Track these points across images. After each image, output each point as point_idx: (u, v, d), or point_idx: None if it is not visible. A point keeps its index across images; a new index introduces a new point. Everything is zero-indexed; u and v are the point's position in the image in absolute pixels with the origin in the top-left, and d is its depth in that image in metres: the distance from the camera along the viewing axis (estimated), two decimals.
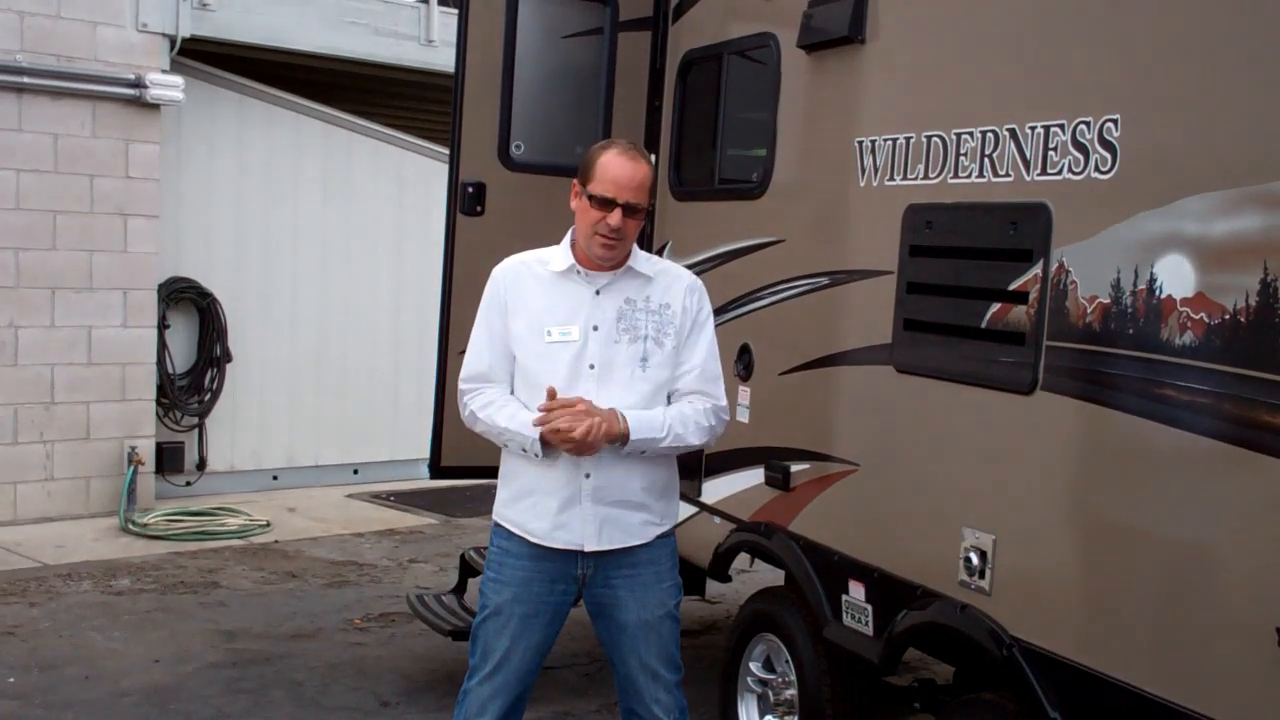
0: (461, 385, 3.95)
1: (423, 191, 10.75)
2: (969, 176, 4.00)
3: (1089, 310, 3.55)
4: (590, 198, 3.76)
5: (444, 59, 11.21)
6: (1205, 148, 3.27)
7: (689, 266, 5.47)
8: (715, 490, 5.33)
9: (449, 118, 5.82)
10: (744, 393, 5.12)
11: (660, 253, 5.77)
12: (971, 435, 3.96)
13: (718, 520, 5.29)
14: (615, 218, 3.74)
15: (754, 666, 5.16)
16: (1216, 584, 3.21)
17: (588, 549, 3.83)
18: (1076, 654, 3.57)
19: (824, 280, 4.66)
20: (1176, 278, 3.30)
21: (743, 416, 5.12)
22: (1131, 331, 3.42)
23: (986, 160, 3.93)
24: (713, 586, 6.29)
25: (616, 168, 3.76)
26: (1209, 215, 3.23)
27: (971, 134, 3.98)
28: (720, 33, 5.46)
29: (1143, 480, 3.40)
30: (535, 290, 3.86)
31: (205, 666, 6.47)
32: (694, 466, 5.41)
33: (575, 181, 3.84)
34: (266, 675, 6.37)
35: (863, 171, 4.46)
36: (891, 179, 4.33)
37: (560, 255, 3.88)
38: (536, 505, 3.84)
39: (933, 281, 4.15)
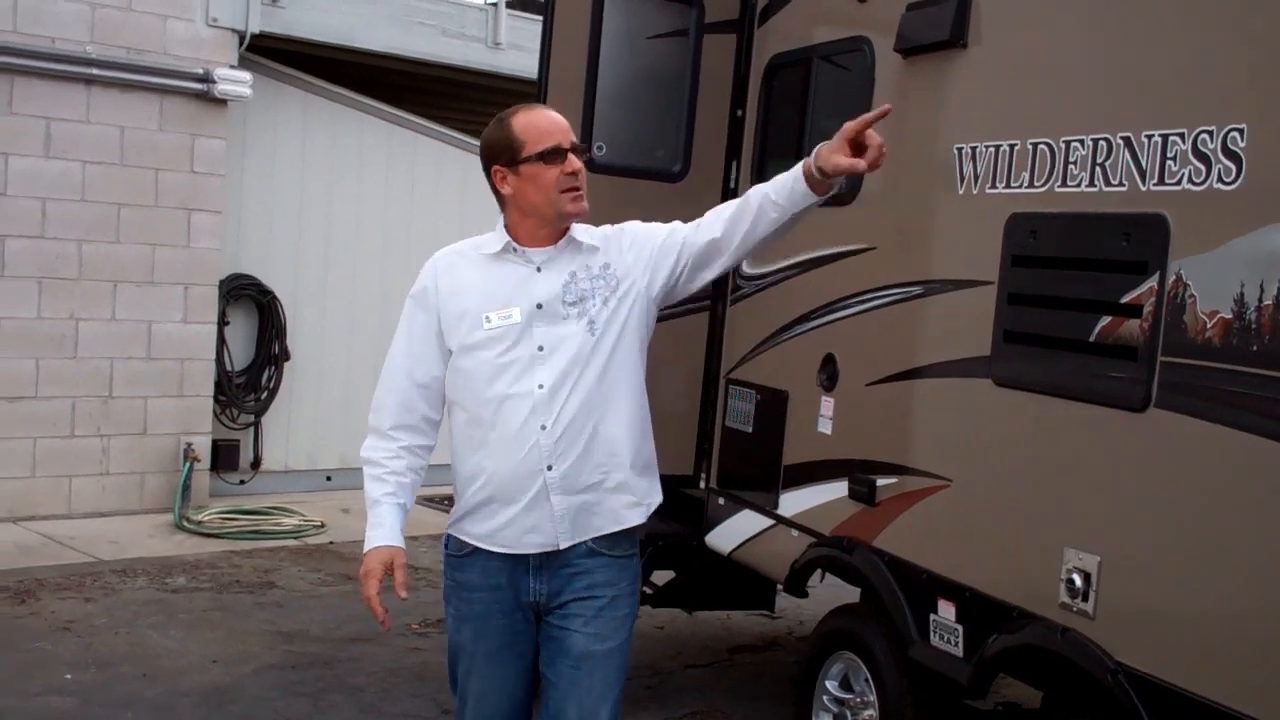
0: (371, 420, 3.57)
1: (485, 194, 10.65)
2: (1078, 185, 3.87)
3: (1209, 325, 3.42)
4: (537, 158, 3.39)
5: (511, 62, 11.25)
6: None
7: (768, 274, 5.43)
8: (793, 503, 5.21)
9: None
10: (827, 404, 5.01)
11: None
12: (1077, 452, 3.83)
13: (795, 534, 5.17)
14: (573, 161, 3.41)
15: (830, 685, 5.03)
16: None
17: (562, 545, 3.43)
18: (1186, 682, 3.43)
19: (917, 290, 4.54)
20: None
21: (825, 428, 5.00)
22: (1256, 348, 3.28)
23: (1098, 169, 3.80)
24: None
25: (540, 120, 3.45)
26: None
27: (1082, 142, 3.86)
28: (808, 36, 5.36)
29: (1263, 503, 3.26)
30: (471, 275, 3.49)
31: (264, 668, 6.40)
32: (771, 478, 5.30)
33: (498, 168, 3.45)
34: (326, 679, 6.28)
35: (962, 179, 4.33)
36: (993, 187, 4.20)
37: (494, 238, 3.52)
38: (497, 512, 3.44)
39: (1036, 293, 4.03)
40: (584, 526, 3.47)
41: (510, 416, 3.40)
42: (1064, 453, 3.87)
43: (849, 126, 3.35)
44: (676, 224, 3.59)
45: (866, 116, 3.37)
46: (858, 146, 3.36)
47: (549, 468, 3.40)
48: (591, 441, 3.43)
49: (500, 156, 3.47)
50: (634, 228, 3.60)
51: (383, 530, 3.49)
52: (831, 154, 3.37)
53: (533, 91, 5.83)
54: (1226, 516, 3.36)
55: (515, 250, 3.48)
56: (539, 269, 3.47)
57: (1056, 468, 3.90)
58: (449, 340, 3.47)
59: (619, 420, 3.48)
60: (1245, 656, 3.30)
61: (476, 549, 3.50)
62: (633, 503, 3.55)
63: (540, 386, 3.39)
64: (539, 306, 3.43)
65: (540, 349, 3.41)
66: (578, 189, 3.44)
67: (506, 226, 3.52)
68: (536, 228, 3.48)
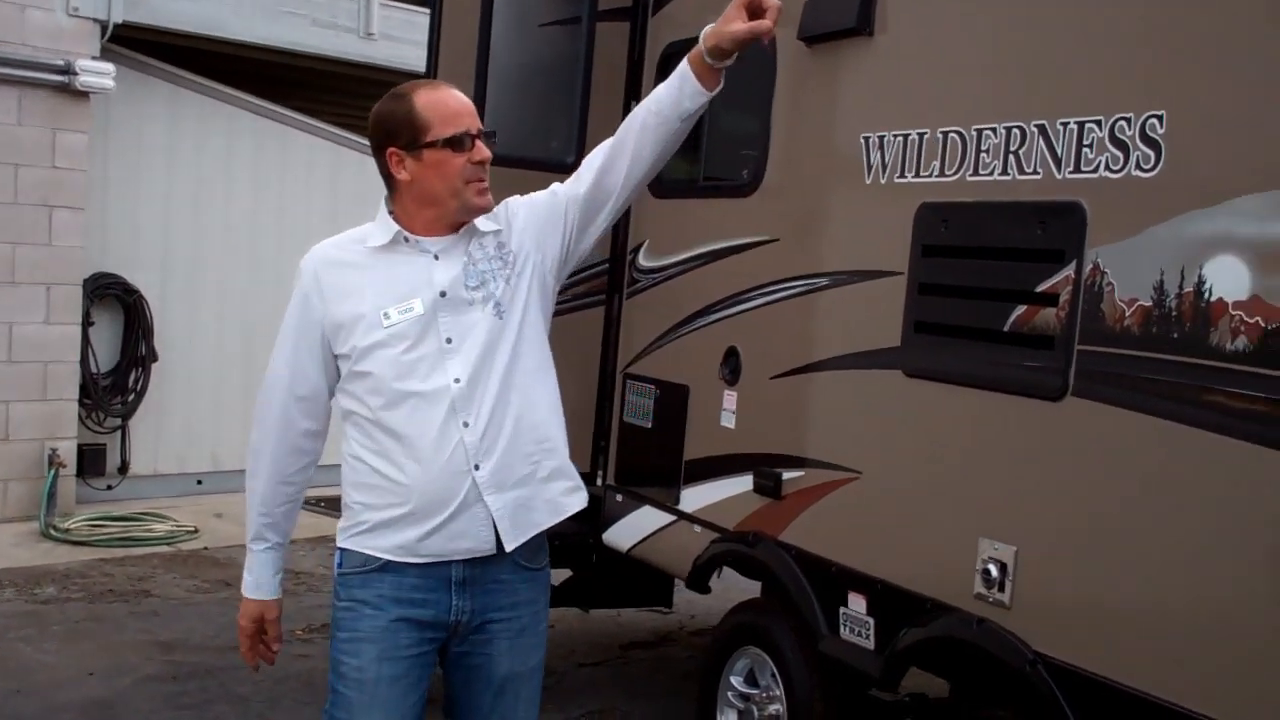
0: (253, 438, 3.32)
1: (358, 187, 10.44)
2: (991, 174, 3.85)
3: (1128, 313, 3.41)
4: (444, 143, 3.11)
5: (384, 53, 11.04)
6: (1262, 144, 3.14)
7: (666, 267, 5.35)
8: (695, 498, 5.13)
9: None
10: (730, 398, 4.94)
11: (636, 252, 5.59)
12: (992, 442, 3.80)
13: (698, 529, 5.10)
14: (481, 149, 3.15)
15: (735, 681, 4.97)
16: (1261, 599, 3.07)
17: (509, 548, 3.15)
18: (1105, 669, 3.42)
19: (823, 281, 4.49)
20: (1229, 280, 3.17)
21: (728, 422, 4.94)
22: (1175, 336, 3.28)
23: (1012, 157, 3.78)
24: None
25: (448, 100, 3.16)
26: (1267, 215, 3.10)
27: (994, 130, 3.83)
28: (706, 24, 5.26)
29: (1183, 490, 3.26)
30: (358, 273, 3.18)
31: (143, 679, 6.16)
32: (672, 473, 5.22)
33: (394, 150, 3.14)
34: (210, 689, 6.06)
35: (869, 169, 4.29)
36: (902, 176, 4.17)
37: (378, 229, 3.21)
38: (417, 523, 3.11)
39: (948, 283, 4.00)
40: (525, 524, 3.20)
41: (426, 418, 3.11)
42: (979, 443, 3.85)
43: None
44: (555, 186, 3.38)
45: None
46: (753, 12, 3.21)
47: (476, 467, 3.12)
48: (517, 431, 3.17)
49: (398, 137, 3.15)
50: (518, 202, 3.36)
51: (252, 578, 3.34)
52: (728, 25, 3.21)
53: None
54: (1145, 505, 3.36)
55: (408, 240, 3.19)
56: (436, 257, 3.19)
57: (971, 458, 3.87)
58: (340, 346, 3.18)
59: (540, 403, 3.26)
60: (1164, 644, 3.30)
61: (389, 563, 3.17)
62: (571, 488, 3.33)
63: (457, 380, 3.12)
64: (442, 295, 3.15)
65: (448, 341, 3.14)
66: (484, 180, 3.18)
67: (395, 215, 3.21)
68: (434, 219, 3.20)
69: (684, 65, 3.31)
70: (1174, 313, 3.29)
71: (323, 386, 3.25)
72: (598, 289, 5.81)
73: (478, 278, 3.20)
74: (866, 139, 4.31)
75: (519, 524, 3.19)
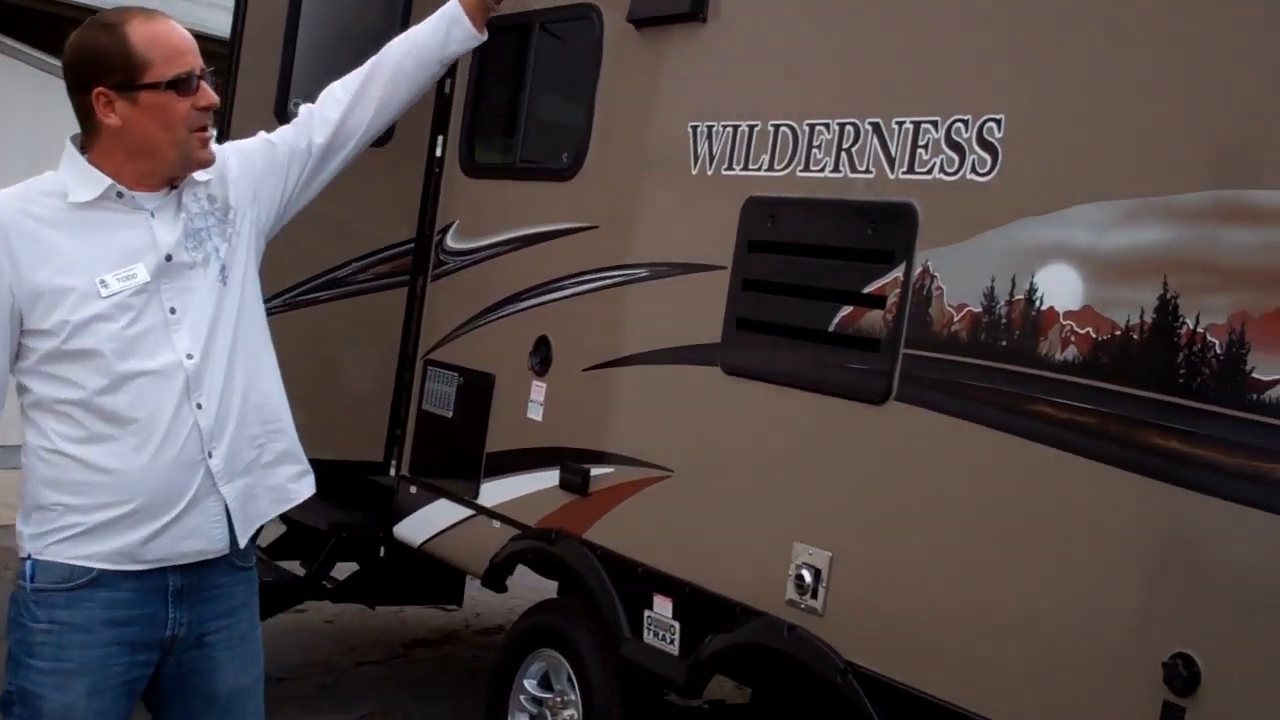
0: None
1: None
2: (822, 170, 3.76)
3: (956, 319, 3.35)
4: (168, 85, 2.71)
5: (182, 12, 10.45)
6: (1100, 155, 3.11)
7: (479, 249, 5.14)
8: (496, 493, 4.93)
9: None
10: (539, 389, 4.76)
11: (444, 233, 5.36)
12: (810, 444, 3.71)
13: (497, 525, 4.90)
14: (208, 93, 2.77)
15: (529, 684, 4.78)
16: (1089, 614, 3.03)
17: (242, 544, 2.86)
18: (918, 682, 3.36)
19: (642, 272, 4.35)
20: (1061, 289, 3.13)
21: (535, 414, 4.76)
22: (1005, 344, 3.23)
23: (844, 154, 3.69)
24: None
25: (171, 35, 2.75)
26: (1102, 225, 3.06)
27: (827, 125, 3.74)
28: (528, 1, 5.09)
29: (1006, 501, 3.21)
30: (59, 234, 2.71)
31: None
32: (472, 465, 5.02)
33: (102, 90, 2.69)
34: None
35: (696, 158, 4.17)
36: (729, 168, 4.05)
37: (79, 181, 2.74)
38: (140, 524, 2.72)
39: (773, 279, 3.89)
40: (252, 515, 2.89)
41: (157, 401, 2.72)
42: (798, 445, 3.75)
43: None
44: (273, 137, 3.06)
45: None
46: None
47: (209, 454, 2.77)
48: (245, 411, 2.85)
49: (108, 75, 2.70)
50: (228, 150, 2.98)
51: None
52: None
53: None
54: (965, 514, 3.30)
55: (121, 196, 2.75)
56: (152, 214, 2.78)
57: (789, 460, 3.77)
58: (40, 320, 2.68)
59: (266, 380, 2.94)
60: (978, 655, 3.25)
61: (101, 575, 2.73)
62: (299, 473, 3.03)
63: (190, 356, 2.76)
64: (168, 259, 2.77)
65: (172, 311, 2.75)
66: (209, 130, 2.81)
67: (96, 164, 2.75)
68: (147, 172, 2.78)
69: (454, 7, 3.16)
70: (1004, 320, 3.24)
71: (4, 364, 2.74)
72: (400, 269, 5.57)
73: (195, 237, 2.83)
74: (694, 128, 4.18)
75: (248, 516, 2.88)
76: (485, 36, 3.21)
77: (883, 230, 3.56)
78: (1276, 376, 2.72)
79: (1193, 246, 2.90)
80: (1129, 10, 3.10)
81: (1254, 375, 2.75)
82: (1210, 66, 2.92)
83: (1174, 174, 2.94)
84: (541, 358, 4.76)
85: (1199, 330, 2.85)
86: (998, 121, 3.31)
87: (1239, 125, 2.85)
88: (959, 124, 3.39)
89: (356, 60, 5.23)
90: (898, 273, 3.50)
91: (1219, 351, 2.81)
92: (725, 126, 4.07)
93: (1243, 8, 2.91)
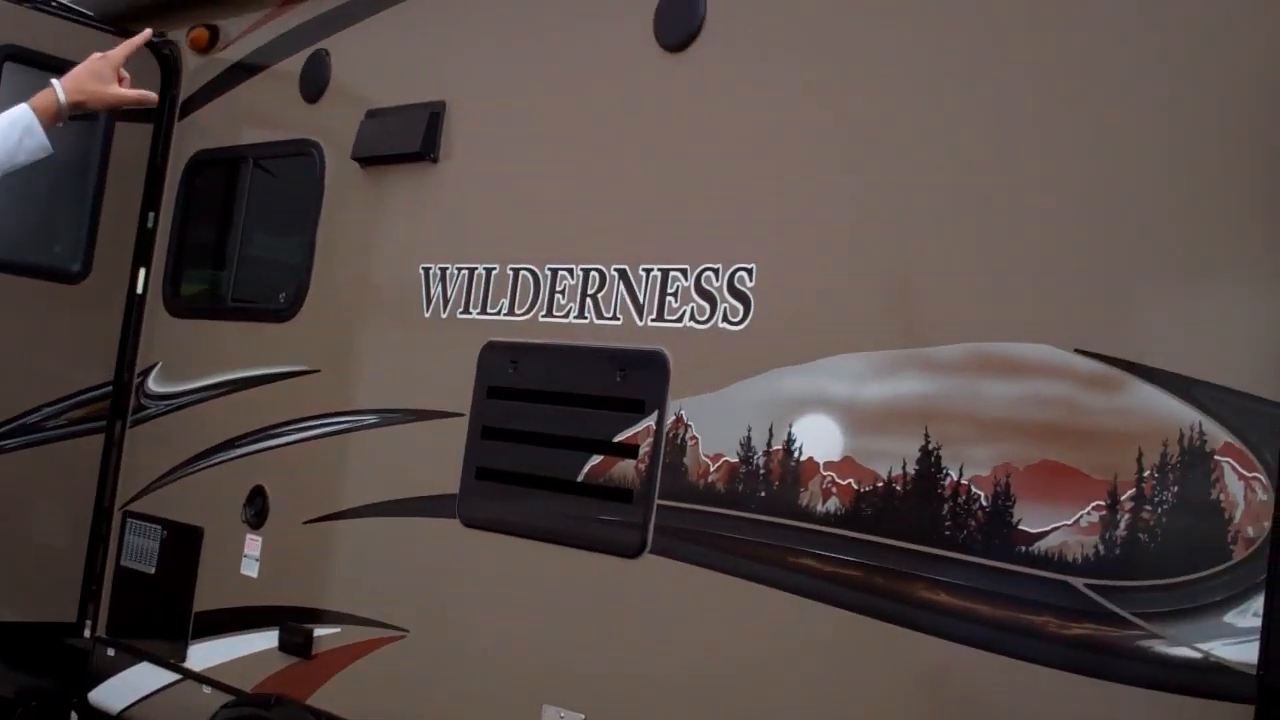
0: None
1: None
2: (566, 316, 3.66)
3: (713, 469, 3.28)
4: None
5: None
6: (857, 305, 3.11)
7: (186, 393, 4.83)
8: (206, 655, 4.56)
9: None
10: (254, 542, 4.45)
11: (146, 376, 5.01)
12: (560, 601, 3.55)
13: (208, 690, 4.52)
14: None
15: None
16: None
17: None
18: None
19: (371, 419, 4.13)
20: (821, 440, 3.09)
21: (251, 570, 4.44)
22: (764, 495, 3.17)
23: (589, 300, 3.61)
24: None
25: None
26: (860, 376, 3.05)
27: (571, 271, 3.65)
28: (242, 135, 4.87)
29: (771, 660, 3.12)
30: None
31: None
32: (178, 626, 4.64)
33: None
34: None
35: (429, 301, 4.01)
36: (466, 312, 3.91)
37: None
38: None
39: (516, 428, 3.74)
40: None
41: None
42: (546, 601, 3.58)
43: (118, 53, 3.00)
44: None
45: (134, 41, 3.11)
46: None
47: None
48: None
49: None
50: None
51: None
52: (105, 86, 3.01)
53: None
54: (726, 672, 3.20)
55: None
56: None
57: (537, 618, 3.60)
58: None
59: None
60: None
61: None
62: None
63: None
64: None
65: None
66: None
67: None
68: None
69: (29, 115, 2.98)
70: (762, 471, 3.18)
71: None
72: (97, 414, 5.15)
73: None
74: (427, 270, 4.03)
75: None
76: (53, 150, 3.03)
77: (633, 378, 3.48)
78: (1044, 529, 2.73)
79: (953, 398, 2.91)
80: (886, 163, 3.12)
81: (1021, 528, 2.76)
82: (965, 221, 2.96)
83: (932, 326, 2.95)
84: (257, 509, 4.46)
85: (963, 482, 2.85)
86: (749, 271, 3.28)
87: (1000, 279, 2.89)
88: (709, 272, 3.35)
89: (52, 191, 4.92)
90: (650, 421, 3.41)
91: (984, 504, 2.82)
92: (461, 269, 3.94)
93: (995, 170, 2.96)
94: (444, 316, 3.97)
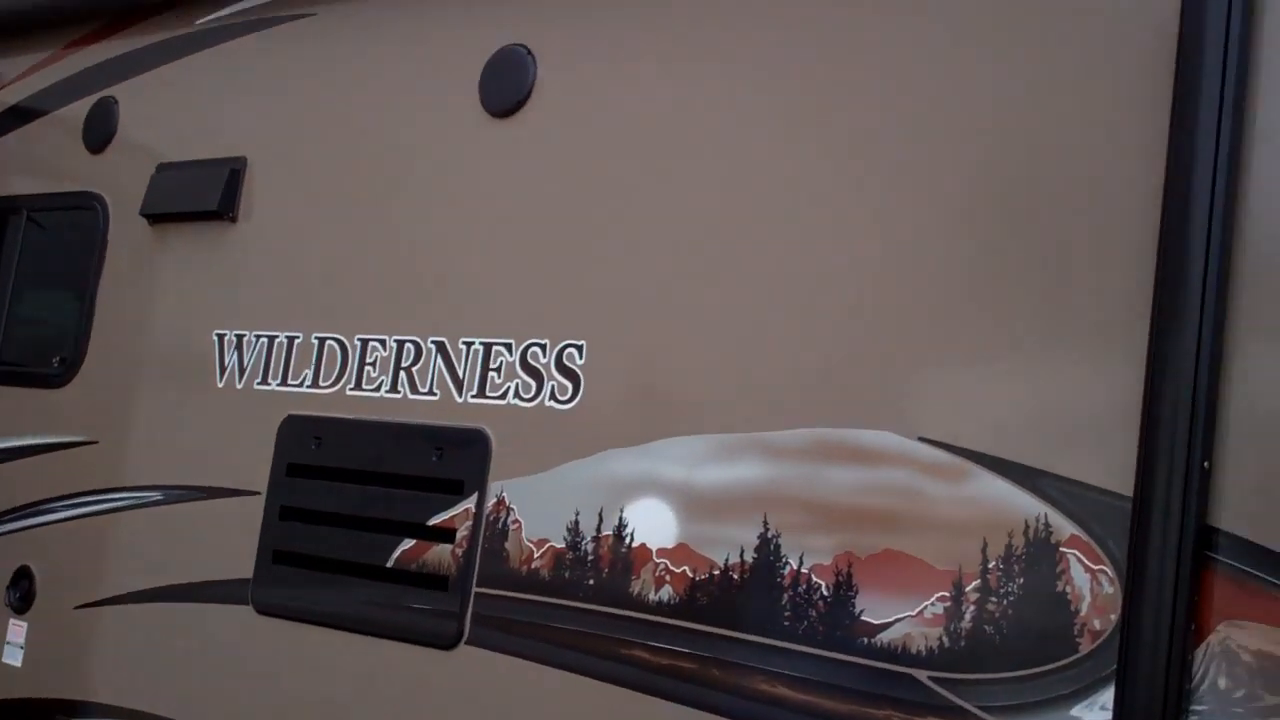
0: None
1: None
2: (377, 390, 3.47)
3: (536, 555, 3.12)
4: None
5: None
6: (693, 387, 3.01)
7: None
8: None
9: None
10: (17, 629, 4.09)
11: None
12: (366, 695, 3.33)
13: None
14: None
15: None
16: None
17: None
18: None
19: (154, 495, 3.85)
20: (653, 525, 2.97)
21: (13, 659, 4.07)
22: (593, 582, 3.03)
23: (403, 373, 3.42)
24: None
25: None
26: (697, 460, 2.95)
27: (383, 342, 3.47)
28: (15, 184, 4.52)
29: None
30: None
31: None
32: None
33: None
34: None
35: (223, 370, 3.76)
36: (264, 383, 3.68)
37: None
38: None
39: (319, 508, 3.52)
40: None
41: None
42: (350, 695, 3.36)
43: None
44: None
45: None
46: None
47: None
48: None
49: None
50: None
51: None
52: None
53: None
54: None
55: None
56: None
57: (341, 713, 3.37)
58: None
59: None
60: None
61: None
62: None
63: None
64: None
65: None
66: None
67: None
68: None
69: None
70: (591, 557, 3.04)
71: None
72: None
73: None
74: (221, 336, 3.79)
75: None
76: None
77: (451, 457, 3.30)
78: (886, 620, 2.67)
79: (794, 485, 2.83)
80: (724, 240, 3.04)
81: (863, 619, 2.69)
82: (806, 302, 2.90)
83: (773, 410, 2.87)
84: (21, 593, 4.10)
85: (803, 571, 2.77)
86: (579, 347, 3.16)
87: (843, 364, 2.83)
88: (535, 348, 3.22)
89: None
90: (469, 504, 3.24)
91: (825, 594, 2.74)
92: (260, 336, 3.71)
93: (836, 250, 2.92)
94: (239, 387, 3.73)
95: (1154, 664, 2.36)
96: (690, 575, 2.91)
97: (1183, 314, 2.41)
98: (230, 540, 3.63)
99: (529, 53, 3.40)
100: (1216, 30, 2.43)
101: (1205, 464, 2.36)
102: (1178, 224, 2.43)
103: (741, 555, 2.86)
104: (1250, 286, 2.40)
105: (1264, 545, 2.32)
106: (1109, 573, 2.47)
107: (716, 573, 2.88)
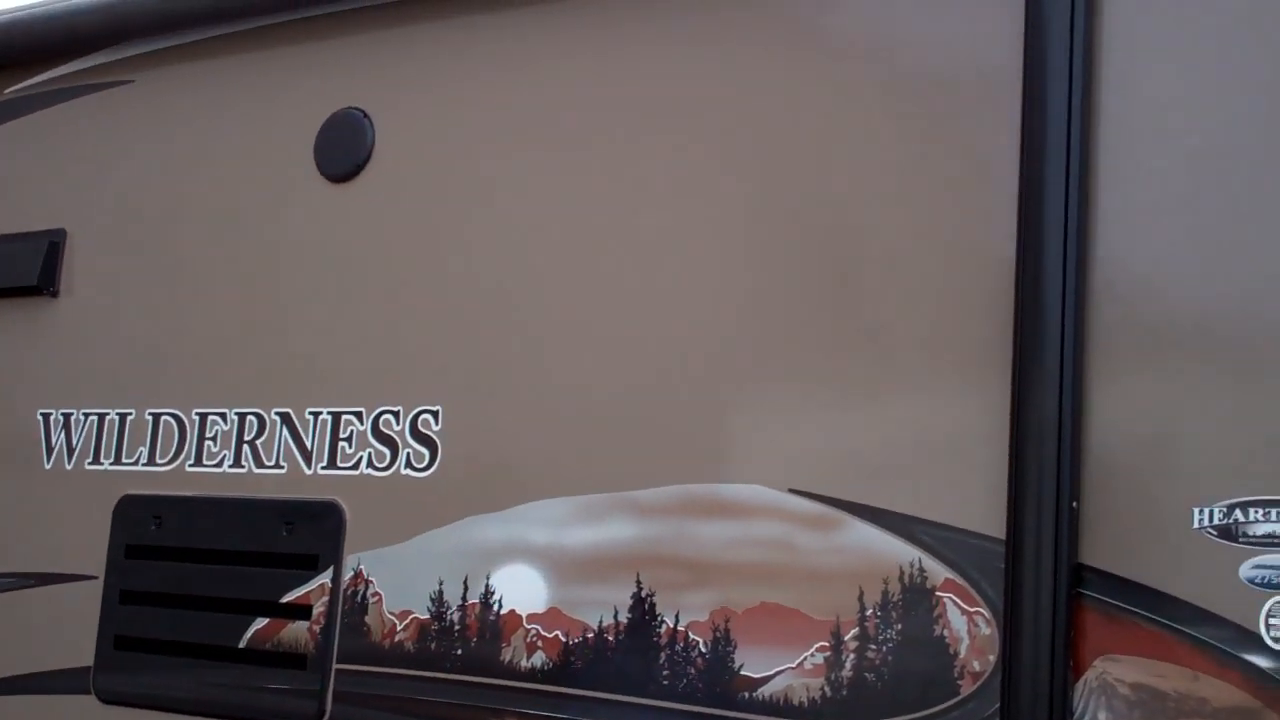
0: None
1: None
2: (219, 465, 3.34)
3: (400, 628, 3.04)
4: None
5: None
6: (558, 448, 2.98)
7: None
8: None
9: None
10: None
11: None
12: None
13: None
14: None
15: None
16: None
17: None
18: None
19: None
20: (522, 591, 2.93)
21: None
22: (460, 652, 2.97)
23: (246, 447, 3.31)
24: None
25: None
26: (562, 522, 2.92)
27: (224, 416, 3.35)
28: None
29: None
30: None
31: None
32: None
33: None
34: None
35: (51, 451, 3.59)
36: (97, 462, 3.52)
37: None
38: None
39: (163, 590, 3.37)
40: None
41: None
42: None
43: None
44: None
45: None
46: None
47: None
48: None
49: None
50: None
51: None
52: None
53: None
54: None
55: None
56: None
57: None
58: None
59: None
60: None
61: None
62: None
63: None
64: None
65: None
66: None
67: None
68: None
69: None
70: (458, 627, 2.98)
71: None
72: None
73: None
74: (47, 415, 3.61)
75: None
76: None
77: (302, 531, 3.20)
78: (767, 673, 2.67)
79: (665, 542, 2.81)
80: (571, 301, 3.02)
81: (743, 673, 2.68)
82: (656, 357, 2.90)
83: (636, 468, 2.86)
84: None
85: (680, 629, 2.76)
86: (434, 413, 3.10)
87: (711, 419, 2.83)
88: (388, 415, 3.15)
89: None
90: (324, 579, 3.14)
91: (704, 650, 2.73)
92: (88, 415, 3.55)
93: (687, 307, 2.92)
94: (69, 468, 3.56)
95: (1035, 702, 2.41)
96: (564, 639, 2.87)
97: (1042, 357, 2.48)
98: (66, 628, 3.45)
99: (365, 116, 3.34)
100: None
101: (1074, 503, 2.43)
102: (1032, 268, 2.51)
103: (616, 616, 2.83)
104: (1105, 330, 2.48)
105: (1134, 579, 2.40)
106: (985, 614, 2.51)
107: (591, 635, 2.84)
